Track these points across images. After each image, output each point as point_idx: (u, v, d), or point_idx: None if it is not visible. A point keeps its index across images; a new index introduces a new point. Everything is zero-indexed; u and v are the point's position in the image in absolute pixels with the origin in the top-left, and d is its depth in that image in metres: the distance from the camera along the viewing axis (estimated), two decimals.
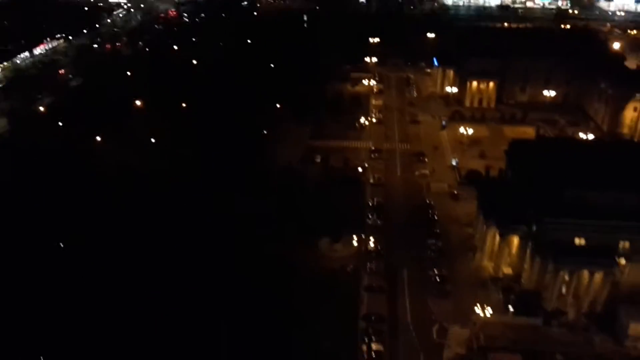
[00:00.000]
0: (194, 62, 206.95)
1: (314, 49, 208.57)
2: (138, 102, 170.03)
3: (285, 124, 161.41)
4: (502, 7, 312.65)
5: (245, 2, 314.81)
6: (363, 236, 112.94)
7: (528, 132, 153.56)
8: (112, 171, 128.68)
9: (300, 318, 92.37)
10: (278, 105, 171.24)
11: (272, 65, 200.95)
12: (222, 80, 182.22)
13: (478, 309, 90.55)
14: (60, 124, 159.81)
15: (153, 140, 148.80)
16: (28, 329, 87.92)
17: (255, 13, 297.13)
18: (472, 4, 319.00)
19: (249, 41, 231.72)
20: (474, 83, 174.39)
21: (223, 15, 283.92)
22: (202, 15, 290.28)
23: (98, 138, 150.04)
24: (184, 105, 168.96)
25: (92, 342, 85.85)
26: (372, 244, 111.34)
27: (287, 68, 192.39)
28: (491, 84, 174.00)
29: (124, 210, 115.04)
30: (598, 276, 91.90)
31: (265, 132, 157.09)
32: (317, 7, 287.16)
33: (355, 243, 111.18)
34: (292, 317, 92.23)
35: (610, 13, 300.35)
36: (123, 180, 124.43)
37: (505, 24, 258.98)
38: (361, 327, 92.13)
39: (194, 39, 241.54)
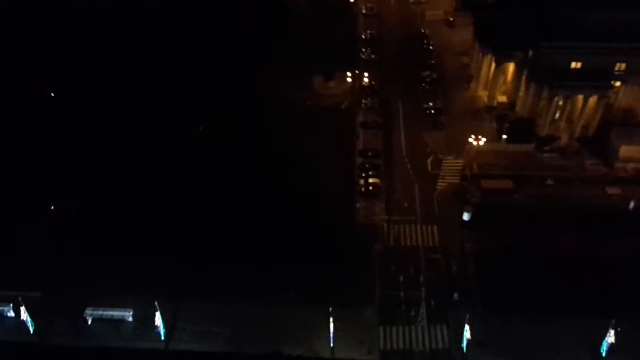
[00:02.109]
0: None
1: None
2: None
3: None
4: None
5: None
6: (357, 72, 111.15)
7: None
8: None
9: (298, 157, 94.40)
10: None
11: None
12: None
13: (472, 139, 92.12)
14: None
15: None
16: None
17: None
18: None
19: None
20: None
21: None
22: None
23: None
24: None
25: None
26: (366, 80, 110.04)
27: None
28: None
29: None
30: (592, 100, 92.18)
31: None
32: None
33: (349, 79, 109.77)
34: (290, 157, 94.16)
35: None
36: None
37: None
38: (358, 163, 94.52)
39: None
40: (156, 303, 68.40)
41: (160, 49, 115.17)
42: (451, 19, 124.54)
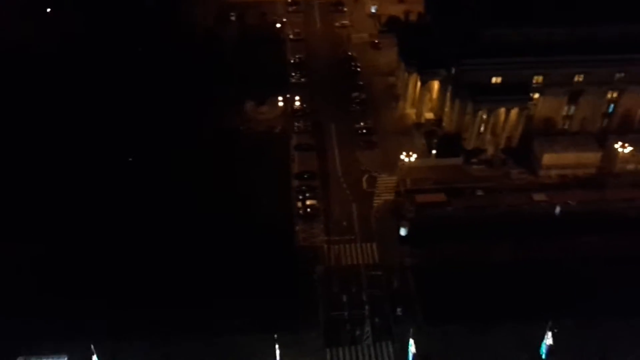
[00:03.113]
0: None
1: None
2: None
3: None
4: None
5: None
6: (288, 96, 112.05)
7: None
8: None
9: (234, 183, 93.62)
10: None
11: None
12: None
13: (404, 156, 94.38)
14: None
15: None
16: None
17: None
18: None
19: None
20: None
21: None
22: None
23: None
24: None
25: None
26: (297, 103, 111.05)
27: None
28: None
29: None
30: (514, 112, 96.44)
31: None
32: None
33: (280, 103, 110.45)
34: (226, 184, 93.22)
35: None
36: None
37: None
38: (295, 185, 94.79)
39: None
40: (92, 347, 65.43)
41: (90, 80, 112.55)
42: (376, 41, 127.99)
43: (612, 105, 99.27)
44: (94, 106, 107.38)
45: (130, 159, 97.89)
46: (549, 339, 68.24)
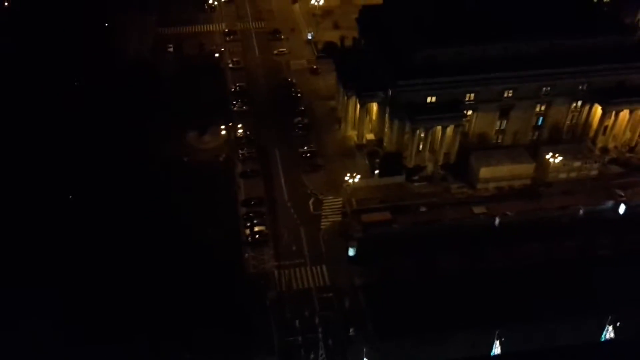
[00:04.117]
0: None
1: None
2: None
3: (127, 13, 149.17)
4: None
5: None
6: (230, 124, 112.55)
7: None
8: None
9: (180, 214, 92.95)
10: None
11: None
12: None
13: (348, 177, 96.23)
14: None
15: None
16: None
17: None
18: None
19: None
20: None
21: None
22: None
23: None
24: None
25: None
26: (240, 130, 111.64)
27: None
28: None
29: None
30: (449, 129, 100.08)
31: (106, 24, 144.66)
32: None
33: (223, 132, 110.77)
34: (172, 215, 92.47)
35: None
36: None
37: None
38: (242, 213, 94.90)
39: None
40: None
41: (25, 112, 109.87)
42: (314, 67, 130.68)
43: (541, 118, 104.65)
44: (30, 140, 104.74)
45: (70, 197, 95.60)
46: (497, 347, 70.65)
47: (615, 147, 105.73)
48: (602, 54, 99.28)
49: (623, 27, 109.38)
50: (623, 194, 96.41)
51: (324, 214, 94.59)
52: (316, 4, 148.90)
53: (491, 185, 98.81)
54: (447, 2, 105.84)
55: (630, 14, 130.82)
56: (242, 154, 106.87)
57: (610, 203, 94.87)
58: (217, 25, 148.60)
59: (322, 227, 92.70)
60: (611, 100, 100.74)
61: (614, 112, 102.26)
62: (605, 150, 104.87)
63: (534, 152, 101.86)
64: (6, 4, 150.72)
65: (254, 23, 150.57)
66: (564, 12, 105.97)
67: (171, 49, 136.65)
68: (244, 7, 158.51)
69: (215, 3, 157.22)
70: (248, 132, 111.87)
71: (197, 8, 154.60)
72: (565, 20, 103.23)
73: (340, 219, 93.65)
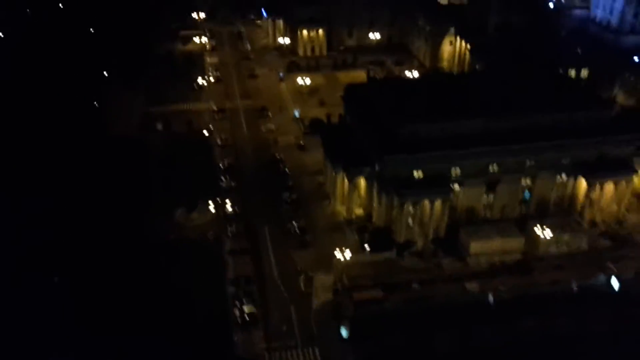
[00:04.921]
0: None
1: (136, 8, 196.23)
2: None
3: (116, 92, 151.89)
4: None
5: None
6: (219, 200, 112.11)
7: (360, 75, 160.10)
8: None
9: (166, 294, 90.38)
10: (105, 73, 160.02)
11: (91, 30, 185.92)
12: (34, 52, 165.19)
13: (338, 253, 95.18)
14: None
15: None
16: None
17: None
18: None
19: (60, 6, 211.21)
20: (304, 32, 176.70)
21: None
22: None
23: None
24: None
25: None
26: (229, 207, 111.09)
27: (109, 31, 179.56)
28: (320, 31, 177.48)
29: None
30: (437, 204, 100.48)
31: (96, 103, 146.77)
32: None
33: (212, 209, 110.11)
34: (158, 295, 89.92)
35: None
36: None
37: None
38: (230, 292, 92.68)
39: None
40: None
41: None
42: (302, 143, 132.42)
43: (527, 192, 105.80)
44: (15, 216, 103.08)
45: (55, 279, 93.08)
46: None
47: (603, 220, 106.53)
48: (581, 128, 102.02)
49: (600, 101, 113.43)
50: (615, 268, 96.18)
51: (314, 292, 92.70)
52: (302, 82, 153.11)
53: (483, 260, 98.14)
54: (430, 81, 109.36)
55: (607, 90, 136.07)
56: (231, 231, 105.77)
57: (603, 277, 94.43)
58: (206, 104, 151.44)
59: (313, 306, 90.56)
60: (594, 172, 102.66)
61: (598, 185, 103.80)
62: (593, 223, 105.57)
63: (523, 226, 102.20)
64: None
65: (242, 101, 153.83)
66: (543, 88, 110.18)
67: (160, 127, 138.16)
68: (231, 86, 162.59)
69: (204, 82, 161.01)
70: (237, 209, 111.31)
71: (185, 87, 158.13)
72: (545, 96, 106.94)
73: (331, 296, 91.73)
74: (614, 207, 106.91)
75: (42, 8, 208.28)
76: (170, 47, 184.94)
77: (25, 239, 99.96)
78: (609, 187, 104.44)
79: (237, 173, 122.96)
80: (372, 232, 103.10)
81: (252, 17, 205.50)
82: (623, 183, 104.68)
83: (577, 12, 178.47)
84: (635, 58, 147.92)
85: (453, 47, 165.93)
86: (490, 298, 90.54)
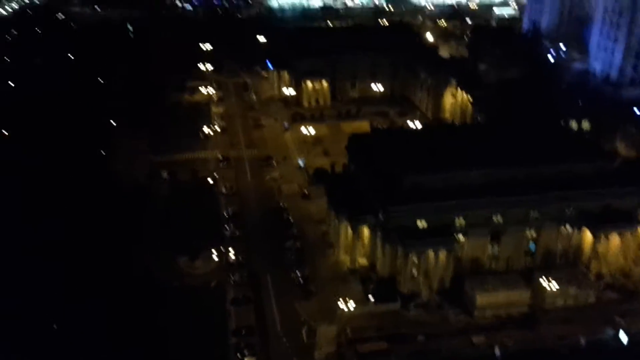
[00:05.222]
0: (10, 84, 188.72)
1: (144, 59, 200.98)
2: None
3: (123, 141, 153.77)
4: (324, 8, 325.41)
5: (62, 16, 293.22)
6: (222, 249, 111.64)
7: (363, 126, 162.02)
8: None
9: (167, 343, 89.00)
10: (113, 123, 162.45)
11: (100, 81, 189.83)
12: (44, 101, 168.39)
13: (342, 304, 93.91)
14: None
15: None
16: None
17: (72, 25, 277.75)
18: (296, 6, 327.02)
19: (70, 57, 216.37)
20: (309, 83, 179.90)
21: (37, 30, 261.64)
22: (13, 31, 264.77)
23: None
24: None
25: None
26: (232, 256, 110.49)
27: (117, 82, 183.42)
28: (324, 82, 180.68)
29: None
30: (442, 254, 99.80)
31: (103, 152, 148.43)
32: (140, 15, 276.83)
33: (215, 257, 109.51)
34: (159, 344, 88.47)
35: (421, 6, 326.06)
36: None
37: (330, 23, 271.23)
38: (232, 343, 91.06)
39: (5, 58, 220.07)
40: None
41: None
42: (306, 192, 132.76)
43: (532, 243, 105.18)
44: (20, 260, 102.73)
45: (54, 326, 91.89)
46: None
47: (610, 272, 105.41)
48: (585, 180, 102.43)
49: (603, 153, 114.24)
50: (623, 322, 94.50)
51: (318, 344, 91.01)
52: (307, 132, 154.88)
53: (489, 312, 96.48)
54: (433, 132, 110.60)
55: (609, 142, 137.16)
56: (234, 280, 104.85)
57: (611, 331, 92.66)
58: (211, 153, 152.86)
59: (316, 357, 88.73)
60: (598, 224, 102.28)
61: (603, 237, 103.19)
62: (600, 275, 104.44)
63: (529, 277, 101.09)
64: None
65: (247, 150, 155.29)
66: (546, 140, 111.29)
67: (165, 176, 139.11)
68: (237, 136, 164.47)
69: (210, 132, 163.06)
70: (240, 257, 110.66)
71: (191, 137, 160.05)
72: (548, 147, 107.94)
73: (335, 348, 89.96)
74: (621, 260, 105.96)
75: (52, 58, 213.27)
76: (178, 97, 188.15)
77: (29, 290, 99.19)
78: (615, 239, 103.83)
79: (242, 221, 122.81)
80: (377, 283, 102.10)
81: (258, 68, 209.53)
82: (628, 235, 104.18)
83: (577, 65, 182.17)
84: (636, 110, 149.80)
85: (455, 99, 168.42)
86: (497, 352, 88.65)
